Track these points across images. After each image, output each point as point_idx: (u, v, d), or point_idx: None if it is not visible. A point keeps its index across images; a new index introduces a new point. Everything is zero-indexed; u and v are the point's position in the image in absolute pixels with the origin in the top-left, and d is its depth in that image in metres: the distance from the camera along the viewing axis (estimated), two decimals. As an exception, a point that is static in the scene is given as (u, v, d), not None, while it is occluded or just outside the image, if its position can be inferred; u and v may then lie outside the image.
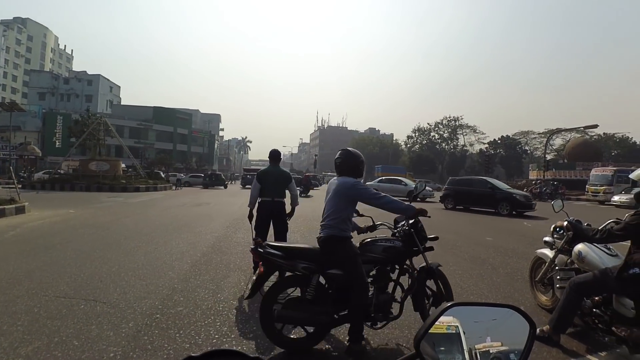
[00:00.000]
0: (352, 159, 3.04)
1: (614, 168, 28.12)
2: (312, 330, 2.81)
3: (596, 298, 2.99)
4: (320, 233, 2.94)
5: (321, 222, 2.98)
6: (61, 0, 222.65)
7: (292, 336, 2.96)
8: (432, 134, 71.71)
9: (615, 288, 2.79)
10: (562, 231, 3.57)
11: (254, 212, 4.92)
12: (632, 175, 3.30)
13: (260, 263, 2.84)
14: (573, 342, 3.12)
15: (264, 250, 2.81)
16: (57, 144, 48.47)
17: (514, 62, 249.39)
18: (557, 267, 3.57)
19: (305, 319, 2.76)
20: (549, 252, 3.79)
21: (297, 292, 2.92)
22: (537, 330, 2.88)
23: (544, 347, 2.97)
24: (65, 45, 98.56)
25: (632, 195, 23.32)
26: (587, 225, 3.35)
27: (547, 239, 3.99)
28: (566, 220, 3.42)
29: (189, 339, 2.93)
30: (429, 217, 3.07)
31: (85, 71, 72.74)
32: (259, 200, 4.88)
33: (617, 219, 3.17)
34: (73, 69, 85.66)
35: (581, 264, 3.27)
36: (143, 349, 2.74)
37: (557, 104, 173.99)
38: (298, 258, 2.82)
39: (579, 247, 3.31)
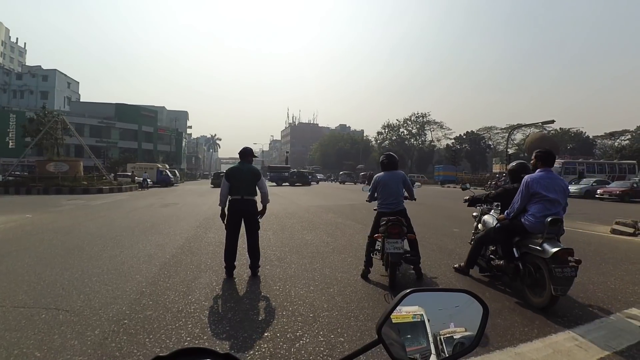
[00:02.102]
0: (396, 159, 5.02)
1: (562, 160, 29.88)
2: (388, 272, 4.32)
3: (492, 248, 4.58)
4: (395, 206, 4.71)
5: (392, 200, 4.74)
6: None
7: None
8: (401, 130, 73.19)
9: (495, 239, 4.34)
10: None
11: (226, 210, 4.85)
12: (509, 167, 4.85)
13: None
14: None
15: (401, 223, 4.38)
16: (11, 144, 45.16)
17: (468, 64, 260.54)
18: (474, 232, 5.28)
19: (405, 260, 4.46)
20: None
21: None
22: (457, 265, 4.96)
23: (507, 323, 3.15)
24: (17, 38, 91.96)
25: (580, 187, 24.69)
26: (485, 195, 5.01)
27: (474, 214, 5.45)
28: (470, 195, 5.24)
29: (159, 343, 2.86)
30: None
31: (40, 66, 68.38)
32: (229, 198, 4.81)
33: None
34: (26, 64, 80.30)
35: (484, 227, 4.82)
36: (111, 357, 2.65)
37: (509, 102, 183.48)
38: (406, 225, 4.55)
39: (484, 217, 4.96)
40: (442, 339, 0.95)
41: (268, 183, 36.82)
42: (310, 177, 42.75)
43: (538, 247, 3.65)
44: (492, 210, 4.96)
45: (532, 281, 3.78)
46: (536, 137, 47.26)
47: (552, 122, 30.96)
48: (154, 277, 4.61)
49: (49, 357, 2.64)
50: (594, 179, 24.70)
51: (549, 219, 3.61)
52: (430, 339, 0.94)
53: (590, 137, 61.76)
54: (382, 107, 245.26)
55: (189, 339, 2.95)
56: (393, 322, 0.92)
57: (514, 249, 4.08)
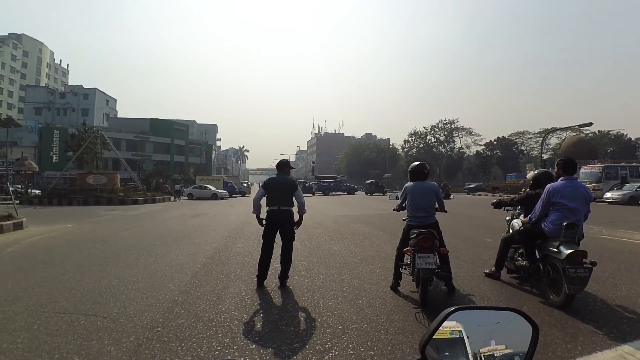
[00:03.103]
0: (427, 169, 4.78)
1: (602, 165, 28.11)
2: (419, 288, 4.05)
3: (520, 250, 4.77)
4: (425, 220, 4.47)
5: (421, 214, 4.50)
6: (55, 15, 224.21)
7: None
8: (428, 137, 71.91)
9: (518, 241, 4.66)
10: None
11: (263, 220, 4.93)
12: (528, 176, 5.35)
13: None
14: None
15: (433, 236, 4.12)
16: (54, 158, 48.26)
17: (496, 65, 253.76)
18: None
19: (436, 275, 4.16)
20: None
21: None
22: (487, 270, 5.14)
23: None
24: (60, 60, 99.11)
25: (623, 192, 23.39)
26: (509, 198, 5.39)
27: (507, 218, 5.59)
28: (498, 198, 5.55)
29: (190, 352, 2.90)
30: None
31: (81, 85, 72.86)
32: (267, 209, 4.88)
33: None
34: (69, 84, 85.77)
35: (512, 230, 5.09)
36: (145, 364, 2.71)
37: (541, 105, 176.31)
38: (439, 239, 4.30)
39: (513, 221, 5.22)
40: (482, 357, 0.90)
41: (309, 196, 36.16)
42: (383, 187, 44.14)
43: (555, 249, 3.91)
44: (521, 215, 5.08)
45: (550, 281, 4.03)
46: (573, 141, 45.01)
47: (590, 124, 29.28)
48: (185, 286, 4.72)
49: (88, 363, 2.73)
50: (638, 184, 23.15)
51: (565, 223, 3.91)
52: (470, 357, 0.89)
53: (633, 139, 58.20)
54: (407, 114, 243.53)
55: (219, 348, 2.98)
56: (432, 338, 0.88)
57: (536, 251, 4.35)
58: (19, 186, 30.16)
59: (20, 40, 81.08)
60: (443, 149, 70.79)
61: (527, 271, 4.44)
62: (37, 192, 31.46)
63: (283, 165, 5.07)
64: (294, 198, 4.92)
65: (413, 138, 73.04)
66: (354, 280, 5.05)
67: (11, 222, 10.42)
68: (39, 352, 2.89)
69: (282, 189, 4.84)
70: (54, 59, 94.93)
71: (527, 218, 4.48)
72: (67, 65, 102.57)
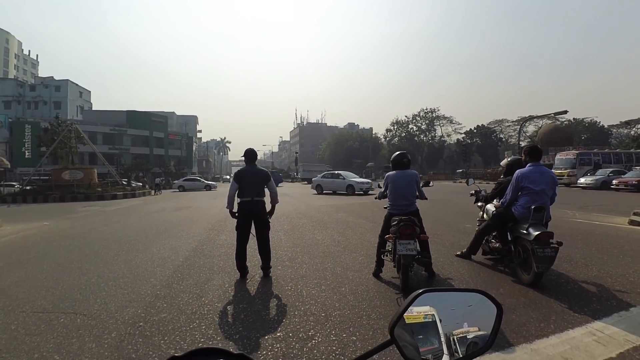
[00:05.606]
0: (408, 158, 4.88)
1: (576, 152, 29.08)
2: (400, 274, 4.14)
3: (494, 233, 5.02)
4: (406, 208, 4.57)
5: (402, 202, 4.60)
6: (22, 3, 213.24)
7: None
8: (410, 126, 72.53)
9: (491, 225, 4.91)
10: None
11: (235, 212, 4.89)
12: (502, 163, 5.49)
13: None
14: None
15: (414, 223, 4.23)
16: (27, 154, 46.41)
17: (472, 56, 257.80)
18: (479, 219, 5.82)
19: (416, 261, 4.26)
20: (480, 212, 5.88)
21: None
22: (459, 252, 5.55)
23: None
24: (29, 51, 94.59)
25: (596, 178, 24.26)
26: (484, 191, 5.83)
27: (479, 204, 5.88)
28: (474, 189, 6.03)
29: (174, 345, 2.89)
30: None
31: (52, 77, 69.80)
32: (238, 200, 4.84)
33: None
34: (39, 75, 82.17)
35: (486, 215, 5.39)
36: (127, 359, 2.69)
37: (518, 94, 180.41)
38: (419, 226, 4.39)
39: (487, 206, 5.48)
40: (455, 339, 0.93)
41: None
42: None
43: (525, 231, 4.20)
44: (495, 200, 5.30)
45: (521, 261, 4.32)
46: (549, 129, 46.32)
47: (565, 112, 30.18)
48: (168, 280, 4.67)
49: (68, 361, 2.69)
50: (610, 170, 24.07)
51: (534, 206, 4.20)
52: (443, 339, 0.92)
53: (605, 126, 60.27)
54: (388, 102, 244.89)
55: (202, 340, 2.98)
56: (406, 322, 0.91)
57: (508, 233, 4.67)
58: None
59: (-16, 30, 76.94)
60: (424, 138, 71.58)
61: (500, 252, 4.78)
62: (15, 184, 30.35)
63: (253, 156, 5.04)
64: (265, 189, 4.91)
65: (395, 127, 73.52)
66: (337, 268, 5.11)
67: (-18, 220, 10.02)
68: (18, 352, 2.82)
69: (255, 181, 4.82)
70: (22, 50, 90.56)
71: (500, 202, 4.82)
72: (37, 56, 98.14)
